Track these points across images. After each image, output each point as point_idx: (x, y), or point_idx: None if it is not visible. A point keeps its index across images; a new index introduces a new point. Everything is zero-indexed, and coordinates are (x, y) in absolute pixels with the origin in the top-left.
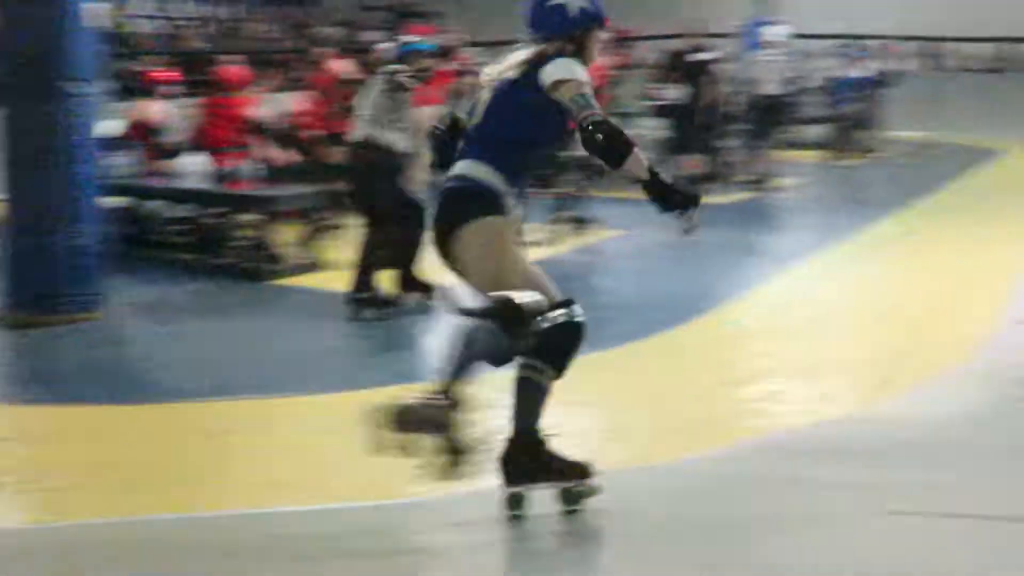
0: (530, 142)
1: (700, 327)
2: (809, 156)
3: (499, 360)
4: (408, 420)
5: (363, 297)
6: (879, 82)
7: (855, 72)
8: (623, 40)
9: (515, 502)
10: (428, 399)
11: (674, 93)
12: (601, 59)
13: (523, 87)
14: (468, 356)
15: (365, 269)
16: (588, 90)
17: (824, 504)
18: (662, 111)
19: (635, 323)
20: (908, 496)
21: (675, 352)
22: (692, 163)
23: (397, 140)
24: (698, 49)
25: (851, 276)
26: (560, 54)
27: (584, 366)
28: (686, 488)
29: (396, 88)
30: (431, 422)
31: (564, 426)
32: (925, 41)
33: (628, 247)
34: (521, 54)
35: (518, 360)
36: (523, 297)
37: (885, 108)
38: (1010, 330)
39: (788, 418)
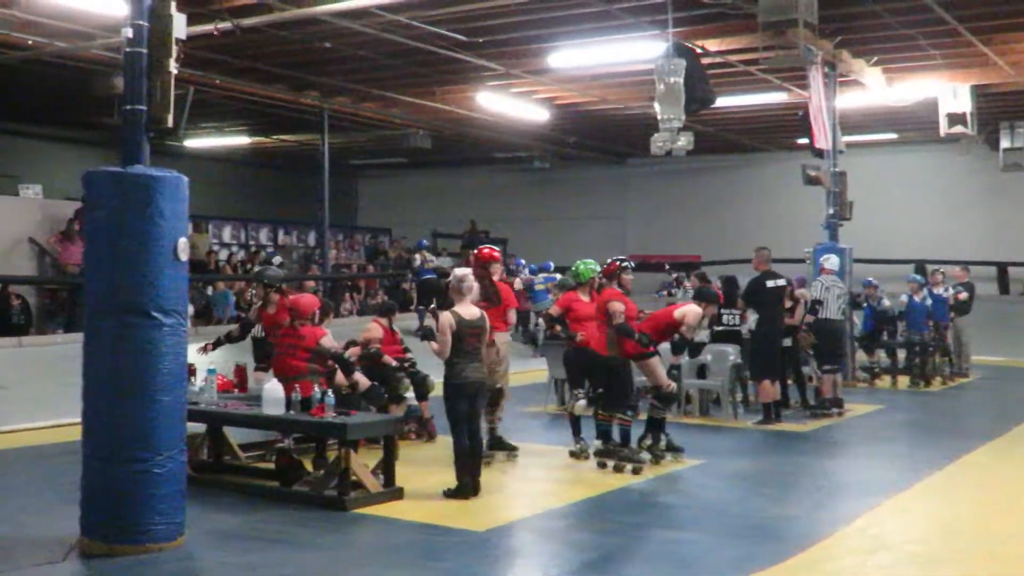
0: None
1: (797, 567)
2: (884, 383)
3: None
4: None
5: None
6: (954, 307)
7: (926, 297)
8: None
9: None
10: None
11: (750, 319)
12: None
13: None
14: None
15: None
16: None
17: None
18: (727, 336)
19: (729, 558)
20: None
21: None
22: (767, 389)
23: None
24: (772, 275)
25: (948, 512)
26: None
27: None
28: None
29: None
30: None
31: None
32: (990, 265)
33: (709, 476)
34: None
35: None
36: None
37: (961, 333)
38: None
39: None
